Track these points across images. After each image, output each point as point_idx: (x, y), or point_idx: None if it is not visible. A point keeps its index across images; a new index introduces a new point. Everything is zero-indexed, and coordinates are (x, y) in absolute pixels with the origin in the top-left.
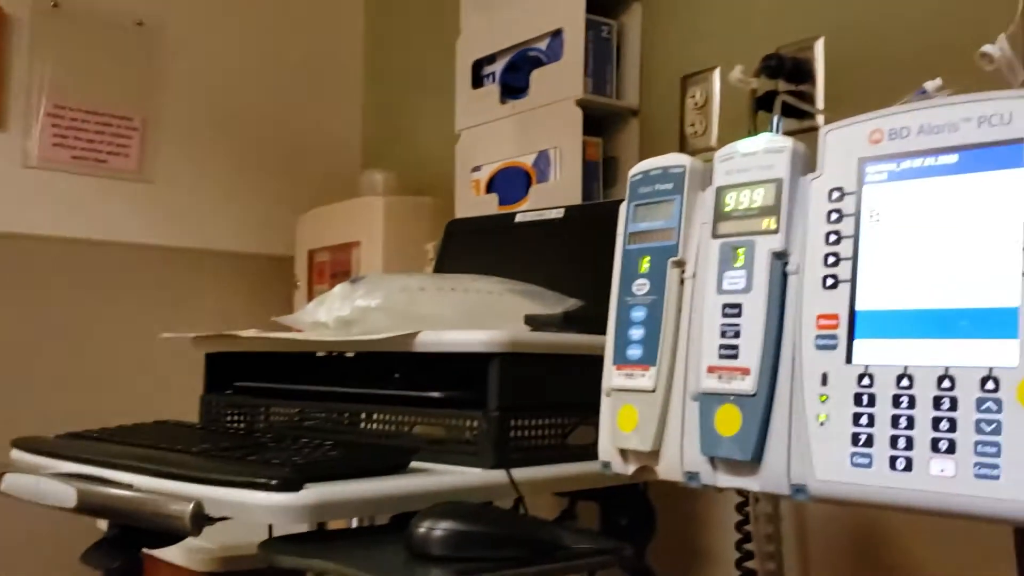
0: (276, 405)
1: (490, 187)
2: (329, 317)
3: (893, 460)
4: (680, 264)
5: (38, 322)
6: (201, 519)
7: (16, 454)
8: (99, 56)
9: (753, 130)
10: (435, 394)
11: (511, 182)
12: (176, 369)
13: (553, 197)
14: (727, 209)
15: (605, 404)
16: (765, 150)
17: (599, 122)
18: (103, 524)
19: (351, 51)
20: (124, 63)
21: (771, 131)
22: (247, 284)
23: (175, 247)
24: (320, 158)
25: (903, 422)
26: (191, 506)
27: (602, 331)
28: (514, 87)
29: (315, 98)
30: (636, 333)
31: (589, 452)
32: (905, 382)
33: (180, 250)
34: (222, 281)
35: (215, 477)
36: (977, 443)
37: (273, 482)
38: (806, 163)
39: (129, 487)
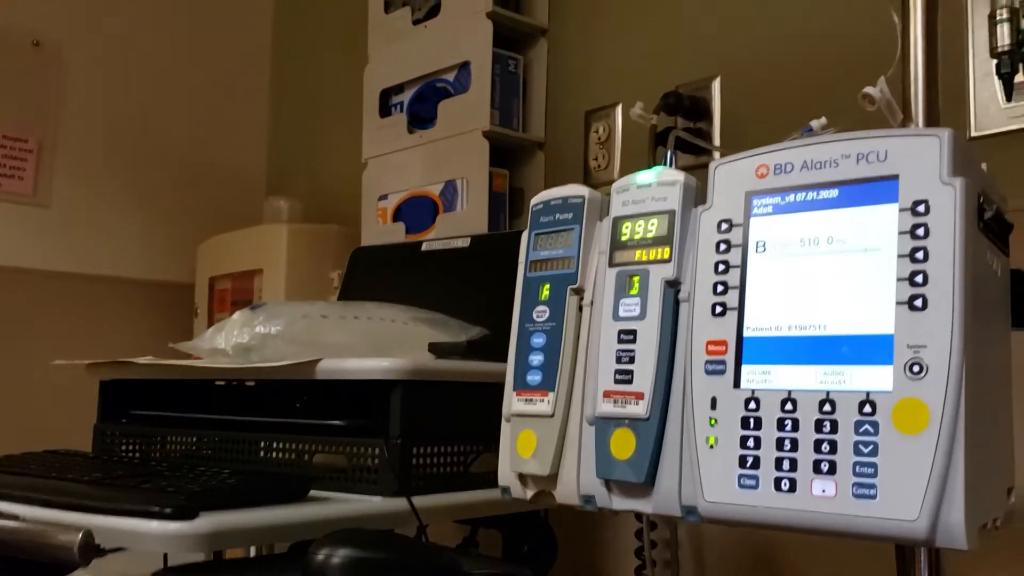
0: (173, 434)
1: (397, 216)
2: (228, 344)
3: (778, 481)
4: (579, 292)
5: None
6: (91, 550)
7: None
8: None
9: (652, 164)
10: (336, 422)
11: (418, 211)
12: (71, 398)
13: (460, 227)
14: (623, 239)
15: (505, 429)
16: (659, 183)
17: (505, 154)
18: None
19: (257, 77)
20: (19, 83)
21: (665, 165)
22: (147, 312)
23: (72, 273)
24: (223, 185)
25: (787, 444)
26: (80, 536)
27: (505, 359)
28: (422, 117)
29: (219, 124)
30: (536, 359)
31: (492, 479)
32: (789, 406)
33: (77, 276)
34: (121, 309)
35: (106, 506)
36: (856, 464)
37: (167, 510)
38: (697, 195)
39: (15, 517)
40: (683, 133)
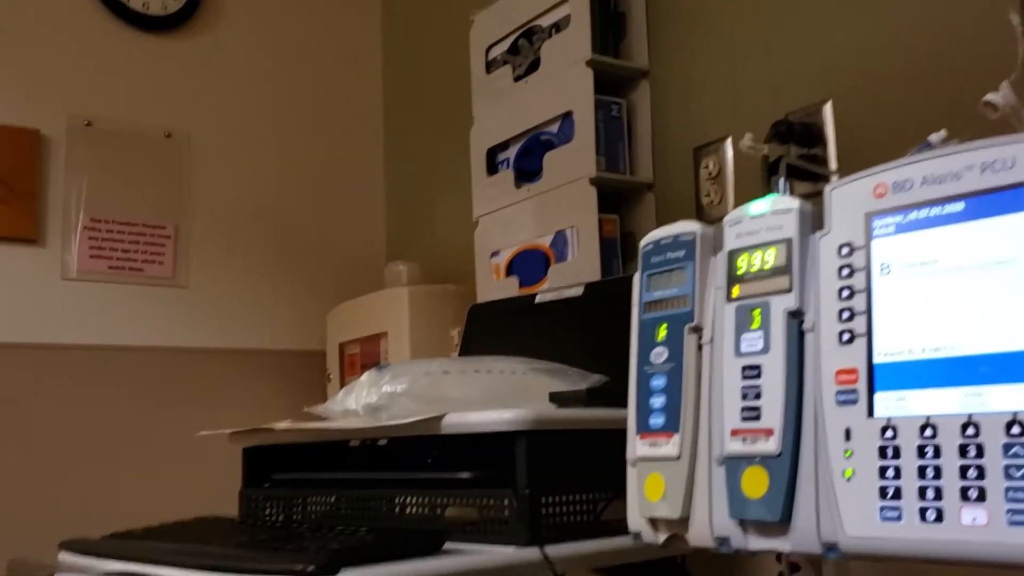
0: (313, 495)
1: (509, 270)
2: (358, 404)
3: (923, 511)
4: (697, 330)
5: (82, 428)
6: None
7: (64, 556)
8: (131, 169)
9: (767, 195)
10: (465, 475)
11: (530, 264)
12: (217, 466)
13: (572, 276)
14: (740, 272)
15: (631, 474)
16: (773, 211)
17: (615, 198)
18: None
19: (371, 149)
20: (155, 174)
21: (778, 193)
22: (282, 380)
23: (211, 348)
24: (346, 254)
25: (930, 472)
26: None
27: (626, 404)
28: (528, 171)
29: (339, 196)
30: (657, 401)
31: (624, 526)
32: (929, 432)
33: (216, 351)
34: (258, 378)
35: (252, 567)
36: (1008, 489)
37: (309, 568)
38: (814, 221)
39: None
40: (796, 160)
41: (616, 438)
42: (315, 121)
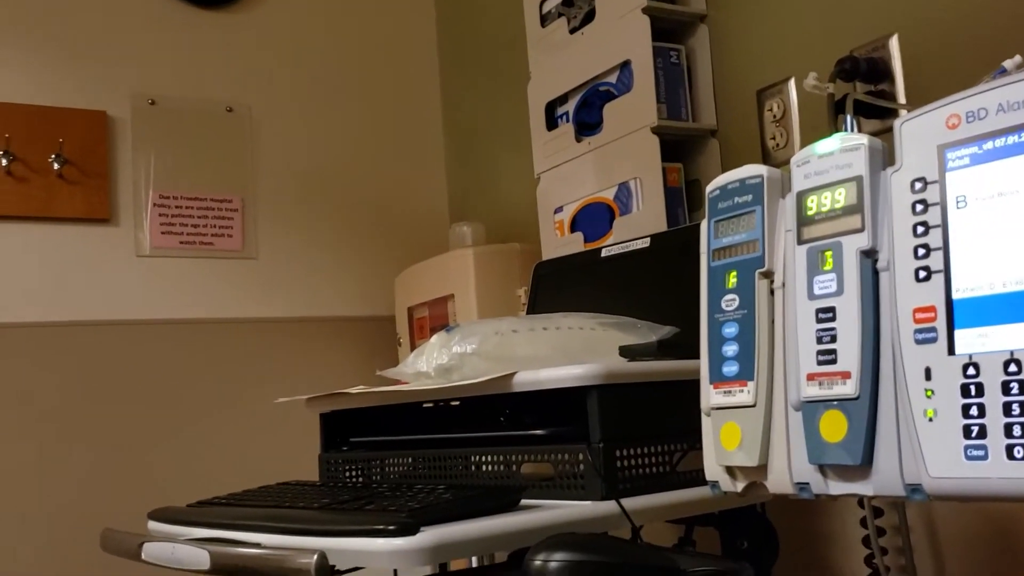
0: (389, 456)
1: (574, 226)
2: (429, 366)
3: (1010, 449)
4: (768, 275)
5: (163, 401)
6: (325, 570)
7: (153, 525)
8: (195, 144)
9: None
10: (539, 432)
11: (594, 218)
12: (295, 431)
13: (637, 228)
14: (810, 213)
15: (706, 424)
16: (841, 149)
17: (678, 147)
18: None
19: (430, 111)
20: (219, 148)
21: (846, 131)
22: (353, 346)
23: (283, 318)
24: (410, 217)
25: (1016, 409)
26: (315, 558)
27: (698, 355)
28: (588, 123)
29: (400, 160)
30: (730, 349)
31: (701, 476)
32: (1013, 367)
33: (288, 320)
34: (330, 346)
35: (336, 528)
36: None
37: (391, 527)
38: (884, 158)
39: (257, 546)
40: (863, 97)
41: (689, 389)
42: (372, 86)
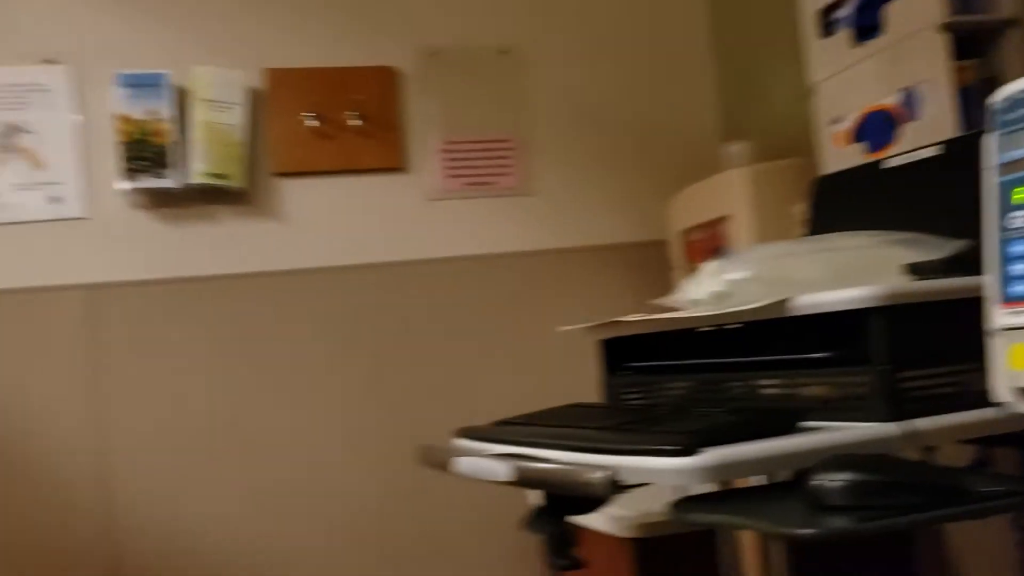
0: (667, 381)
1: (854, 137)
2: (704, 293)
3: None
4: None
5: (459, 332)
6: (615, 486)
7: (460, 441)
8: (474, 89)
9: None
10: (820, 355)
11: (877, 127)
12: (576, 356)
13: (926, 135)
14: None
15: (993, 345)
16: None
17: (971, 43)
18: (531, 499)
19: (696, 28)
20: (495, 91)
21: None
22: (628, 272)
23: (560, 248)
24: (680, 140)
25: None
26: (606, 474)
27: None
28: (867, 27)
29: (667, 82)
30: (1018, 268)
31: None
32: None
33: (565, 251)
34: (604, 273)
35: (624, 447)
36: None
37: (676, 448)
38: None
39: (555, 462)
40: None
41: (979, 307)
42: (638, 11)
